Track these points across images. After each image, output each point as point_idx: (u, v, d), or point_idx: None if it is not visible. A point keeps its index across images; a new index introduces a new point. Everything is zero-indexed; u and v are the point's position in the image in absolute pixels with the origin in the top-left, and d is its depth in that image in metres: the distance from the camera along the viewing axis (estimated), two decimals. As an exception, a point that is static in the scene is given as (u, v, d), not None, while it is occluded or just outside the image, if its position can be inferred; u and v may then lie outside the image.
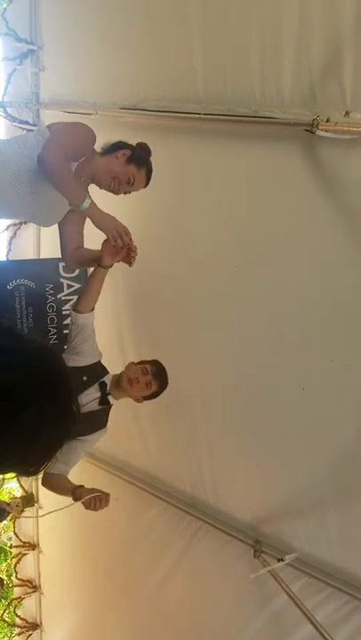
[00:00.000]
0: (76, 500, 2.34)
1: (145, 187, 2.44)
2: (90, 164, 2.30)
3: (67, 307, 3.12)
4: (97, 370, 2.62)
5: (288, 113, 2.31)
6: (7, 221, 3.99)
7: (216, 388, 2.98)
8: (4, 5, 3.45)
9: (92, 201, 2.14)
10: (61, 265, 3.08)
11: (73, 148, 2.16)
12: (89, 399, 2.51)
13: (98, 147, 2.38)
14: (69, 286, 3.16)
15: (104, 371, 2.63)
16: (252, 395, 2.81)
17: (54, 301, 3.08)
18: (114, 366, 2.77)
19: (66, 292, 3.13)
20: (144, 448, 3.45)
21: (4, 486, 5.03)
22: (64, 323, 3.11)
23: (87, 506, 2.33)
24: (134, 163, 2.34)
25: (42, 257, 3.76)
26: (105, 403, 2.55)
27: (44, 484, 2.55)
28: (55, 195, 2.18)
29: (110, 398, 2.56)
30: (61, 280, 3.11)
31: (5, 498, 4.77)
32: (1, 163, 2.11)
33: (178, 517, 3.28)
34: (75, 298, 3.14)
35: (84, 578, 3.91)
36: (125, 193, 2.40)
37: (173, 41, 2.71)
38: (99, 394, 2.53)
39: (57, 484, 2.49)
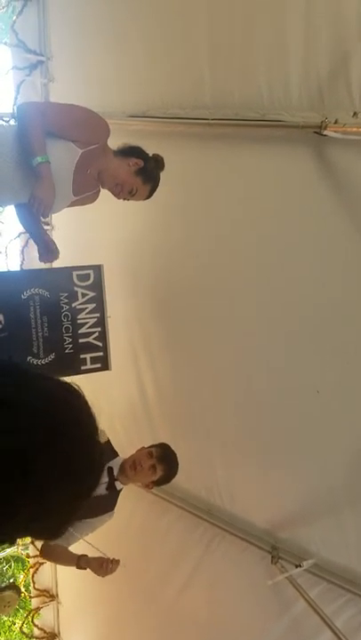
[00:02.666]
0: (80, 568, 2.32)
1: (145, 200, 2.44)
2: (100, 158, 2.30)
3: (82, 315, 3.13)
4: (105, 450, 2.57)
5: (296, 116, 2.32)
6: (18, 229, 4.03)
7: (229, 392, 2.98)
8: (14, 17, 3.50)
9: (45, 163, 2.07)
10: (75, 274, 3.09)
11: (58, 118, 2.14)
12: None
13: (115, 146, 2.38)
14: (84, 295, 3.16)
15: (113, 454, 2.58)
16: (266, 398, 2.80)
17: (69, 310, 3.08)
18: (126, 381, 2.74)
19: (80, 300, 3.13)
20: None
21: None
22: (79, 331, 3.11)
23: (96, 572, 2.30)
24: (142, 176, 2.35)
25: (55, 266, 3.79)
26: (112, 488, 2.48)
27: (43, 555, 2.51)
28: (60, 180, 2.18)
29: (118, 484, 2.49)
30: (76, 289, 3.11)
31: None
32: (7, 147, 2.11)
33: (194, 524, 3.26)
34: (89, 306, 3.16)
35: (101, 587, 3.89)
36: (125, 199, 2.40)
37: (180, 48, 2.74)
38: (106, 479, 2.47)
39: (58, 555, 2.46)
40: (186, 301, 3.10)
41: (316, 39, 2.24)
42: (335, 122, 2.16)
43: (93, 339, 3.19)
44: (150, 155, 2.42)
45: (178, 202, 2.93)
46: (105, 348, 3.20)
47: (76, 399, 0.80)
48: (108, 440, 2.64)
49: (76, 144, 2.17)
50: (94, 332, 3.19)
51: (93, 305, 3.18)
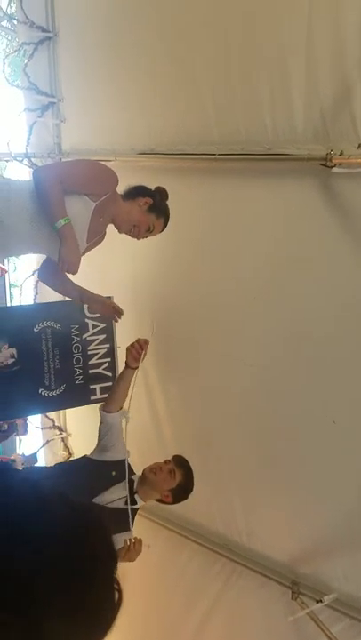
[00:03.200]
0: None
1: (162, 231, 2.50)
2: (111, 205, 2.35)
3: (92, 346, 3.16)
4: (125, 468, 2.57)
5: (302, 149, 2.36)
6: (33, 267, 4.09)
7: (244, 421, 2.95)
8: (25, 61, 3.63)
9: (68, 224, 2.14)
10: (86, 306, 3.13)
11: (74, 178, 2.19)
12: (115, 497, 2.47)
13: (120, 190, 2.44)
14: (94, 326, 3.20)
15: (132, 471, 2.60)
16: (283, 429, 2.77)
17: (80, 342, 3.12)
18: (137, 411, 2.74)
19: (91, 331, 3.18)
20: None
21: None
22: (89, 362, 3.14)
23: (122, 558, 2.27)
24: (155, 212, 2.41)
25: (67, 299, 3.83)
26: (132, 502, 2.47)
27: None
28: (77, 233, 2.23)
29: (138, 498, 2.50)
30: (86, 320, 3.16)
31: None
32: (18, 202, 2.17)
33: (211, 559, 3.20)
34: (100, 337, 3.18)
35: (118, 625, 3.81)
36: (144, 237, 2.46)
37: (186, 86, 2.81)
38: (126, 492, 2.48)
39: None
40: (196, 330, 3.11)
41: (318, 72, 2.29)
42: (340, 153, 2.19)
43: (103, 369, 3.22)
44: (153, 189, 2.48)
45: (186, 235, 2.96)
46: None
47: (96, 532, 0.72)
48: (127, 459, 2.65)
49: (89, 197, 2.23)
50: (104, 363, 3.22)
51: (104, 336, 3.22)
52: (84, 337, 3.13)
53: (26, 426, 4.89)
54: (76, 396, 2.98)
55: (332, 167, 2.23)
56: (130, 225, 2.40)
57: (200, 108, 2.72)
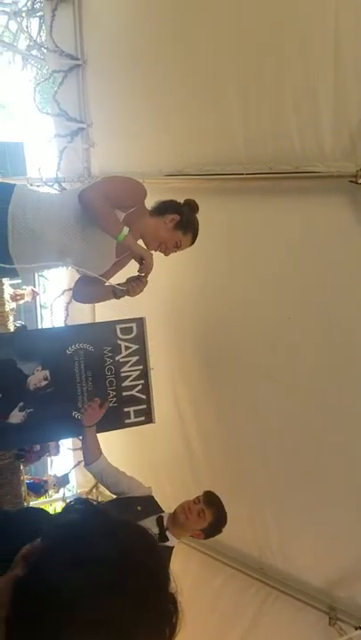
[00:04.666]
0: None
1: (191, 246, 2.50)
2: (139, 220, 2.37)
3: (125, 368, 3.16)
4: (151, 503, 2.56)
5: (331, 166, 2.35)
6: (62, 286, 4.15)
7: (278, 443, 2.91)
8: (55, 88, 3.73)
9: (129, 233, 2.19)
10: (119, 327, 3.15)
11: (115, 192, 2.22)
12: None
13: (149, 205, 2.45)
14: (127, 347, 3.20)
15: (159, 508, 2.56)
16: (317, 450, 2.72)
17: (112, 363, 3.12)
18: (171, 434, 2.72)
19: (124, 353, 3.18)
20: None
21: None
22: (123, 385, 3.14)
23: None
24: (182, 229, 2.41)
25: (98, 320, 3.87)
26: (164, 539, 2.41)
27: None
28: (103, 244, 2.27)
29: (169, 535, 2.43)
30: (119, 342, 3.16)
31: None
32: (53, 212, 2.20)
33: (246, 584, 3.15)
34: (132, 359, 3.19)
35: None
36: (173, 252, 2.47)
37: (213, 107, 2.83)
38: (157, 529, 2.41)
39: None
40: (228, 351, 3.09)
41: (346, 90, 2.28)
42: (370, 170, 2.17)
43: (137, 391, 3.21)
44: (182, 203, 2.48)
45: (217, 254, 2.97)
46: (148, 401, 3.21)
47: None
48: (152, 496, 2.61)
49: (120, 210, 2.25)
50: (138, 385, 3.21)
51: (136, 357, 3.21)
52: (116, 359, 3.13)
53: (58, 447, 4.92)
54: (110, 420, 2.96)
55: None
56: (157, 243, 2.40)
57: (227, 128, 2.74)
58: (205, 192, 2.89)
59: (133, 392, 3.19)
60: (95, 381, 3.07)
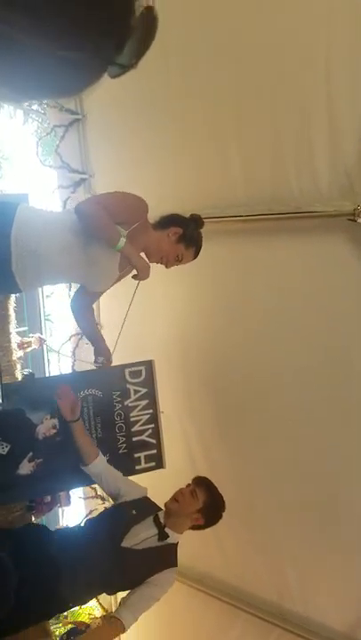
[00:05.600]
0: None
1: (193, 260, 2.50)
2: (142, 234, 2.37)
3: (134, 412, 3.14)
4: (146, 504, 2.54)
5: (328, 205, 2.39)
6: (69, 332, 4.18)
7: (292, 484, 2.86)
8: (57, 142, 3.85)
9: (127, 241, 2.19)
10: (128, 371, 3.14)
11: (114, 206, 2.23)
12: (145, 536, 2.39)
13: (153, 219, 2.47)
14: (136, 391, 3.18)
15: (155, 506, 2.54)
16: (334, 489, 2.68)
17: (122, 408, 3.10)
18: (182, 479, 2.70)
19: (133, 397, 3.16)
20: (223, 557, 3.28)
21: (84, 605, 4.85)
22: (132, 430, 3.11)
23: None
24: (184, 242, 2.41)
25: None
26: (164, 537, 2.40)
27: None
28: (106, 262, 2.27)
29: (169, 532, 2.41)
30: (128, 386, 3.14)
31: (85, 618, 4.59)
32: (53, 232, 2.21)
33: (266, 631, 3.03)
34: (142, 403, 3.17)
35: None
36: (174, 265, 2.48)
37: (211, 152, 2.91)
38: (155, 530, 2.41)
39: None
40: (236, 389, 3.09)
41: (339, 130, 2.35)
42: (368, 207, 2.21)
43: (147, 436, 3.17)
44: (188, 217, 2.50)
45: (219, 295, 3.01)
46: (159, 446, 3.16)
47: None
48: (147, 497, 2.59)
49: (122, 226, 2.26)
50: (147, 430, 3.17)
51: (146, 401, 3.19)
52: (125, 403, 3.11)
53: (68, 497, 4.85)
54: (121, 466, 2.91)
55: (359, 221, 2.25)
56: (159, 256, 2.41)
57: (227, 172, 2.82)
58: (206, 235, 2.93)
59: (143, 437, 3.15)
60: (105, 428, 3.04)
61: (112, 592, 2.62)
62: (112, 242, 2.18)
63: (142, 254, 2.41)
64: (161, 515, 2.47)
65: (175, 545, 2.42)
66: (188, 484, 2.51)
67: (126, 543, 2.33)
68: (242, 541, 3.15)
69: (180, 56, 2.91)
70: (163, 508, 2.52)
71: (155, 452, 3.15)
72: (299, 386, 2.73)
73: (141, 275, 2.27)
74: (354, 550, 2.64)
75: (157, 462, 3.14)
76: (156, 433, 3.17)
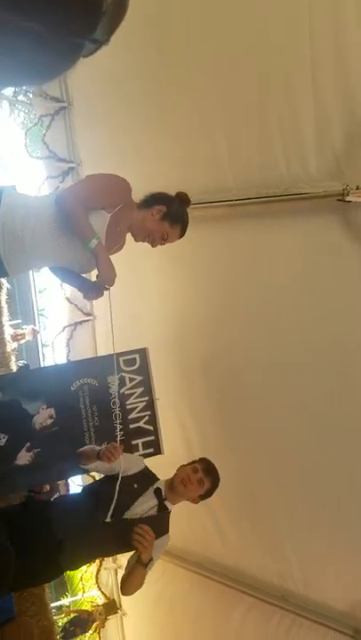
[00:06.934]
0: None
1: (180, 238, 2.44)
2: (128, 215, 2.34)
3: (130, 400, 3.15)
4: (146, 476, 2.58)
5: (317, 187, 2.39)
6: (63, 323, 4.17)
7: (290, 467, 2.88)
8: (43, 131, 3.81)
9: (99, 242, 2.17)
10: (122, 359, 3.15)
11: (94, 195, 2.22)
12: (146, 508, 2.46)
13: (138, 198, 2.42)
14: (131, 379, 3.20)
15: (155, 477, 2.59)
16: (331, 471, 2.71)
17: (118, 396, 3.12)
18: (178, 458, 2.73)
19: (128, 385, 3.17)
20: (223, 541, 3.31)
21: (85, 594, 4.88)
22: (129, 417, 3.13)
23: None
24: (168, 220, 2.36)
25: (99, 353, 3.87)
26: (163, 509, 2.49)
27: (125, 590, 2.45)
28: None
29: (168, 504, 2.50)
30: (123, 374, 3.16)
31: (87, 606, 4.62)
32: (38, 219, 2.18)
33: (269, 612, 3.07)
34: (137, 390, 3.18)
35: None
36: (161, 245, 2.42)
37: (200, 139, 2.90)
38: (155, 501, 2.48)
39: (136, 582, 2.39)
40: (233, 376, 3.09)
41: (327, 112, 2.35)
42: (357, 188, 2.21)
43: (144, 423, 3.19)
44: (173, 195, 2.43)
45: (213, 280, 3.00)
46: (156, 432, 3.19)
47: None
48: (146, 467, 2.62)
49: (105, 209, 2.24)
50: (144, 416, 3.19)
51: (141, 389, 3.21)
52: (121, 391, 3.12)
53: (68, 485, 4.86)
54: (119, 454, 2.95)
55: (349, 202, 2.25)
56: (144, 234, 2.37)
57: (215, 157, 2.80)
58: (197, 220, 2.92)
59: (140, 424, 3.17)
60: (101, 416, 3.06)
61: (109, 556, 2.66)
62: (85, 241, 2.17)
63: (128, 234, 2.39)
64: (162, 486, 2.53)
65: (169, 513, 2.52)
66: (196, 469, 2.53)
67: (128, 515, 2.38)
68: (242, 525, 3.17)
69: (166, 44, 2.90)
70: (159, 478, 2.57)
71: (152, 438, 3.17)
72: (294, 367, 2.74)
73: (102, 280, 2.24)
74: (354, 531, 2.67)
75: (155, 448, 3.17)
76: (153, 420, 3.19)
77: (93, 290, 2.38)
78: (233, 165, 2.77)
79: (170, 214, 2.35)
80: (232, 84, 2.68)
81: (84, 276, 2.50)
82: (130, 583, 2.34)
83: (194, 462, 2.59)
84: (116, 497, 2.34)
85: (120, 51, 3.15)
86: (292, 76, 2.44)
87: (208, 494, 2.55)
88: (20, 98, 6.13)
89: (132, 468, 2.58)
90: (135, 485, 2.50)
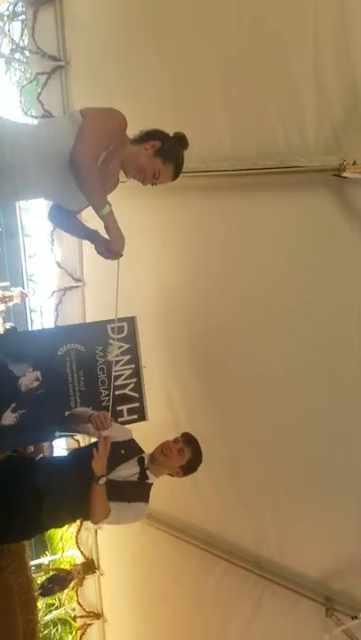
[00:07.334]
0: None
1: (173, 180, 2.34)
2: (120, 150, 2.25)
3: (117, 367, 3.17)
4: (133, 446, 2.65)
5: (314, 160, 2.37)
6: (52, 287, 4.15)
7: (273, 438, 2.92)
8: (39, 90, 3.73)
9: (111, 210, 2.12)
10: (110, 327, 3.15)
11: (104, 140, 2.14)
12: (129, 473, 2.53)
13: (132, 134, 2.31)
14: (119, 347, 3.21)
15: (140, 450, 2.66)
16: (313, 444, 2.75)
17: (104, 363, 3.13)
18: (164, 431, 2.76)
19: (115, 352, 3.19)
20: (203, 507, 3.38)
21: (65, 554, 4.98)
22: (115, 384, 3.15)
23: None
24: (161, 157, 2.24)
25: (88, 320, 3.87)
26: (144, 477, 2.55)
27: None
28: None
29: (149, 474, 2.55)
30: (110, 341, 3.17)
31: (66, 565, 4.72)
32: (26, 147, 2.08)
33: (243, 578, 3.16)
34: (124, 358, 3.20)
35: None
36: (153, 184, 2.32)
37: (197, 106, 2.85)
38: (137, 469, 2.55)
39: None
40: (221, 348, 3.12)
41: (327, 85, 2.32)
42: (353, 163, 2.19)
43: (129, 390, 3.22)
44: (170, 134, 2.33)
45: (206, 251, 2.99)
46: (141, 399, 3.22)
47: None
48: (133, 439, 2.69)
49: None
50: (130, 384, 3.22)
51: (128, 356, 3.23)
52: (108, 358, 3.14)
53: (52, 448, 4.90)
54: (103, 418, 2.98)
55: (345, 177, 2.24)
56: (136, 170, 2.26)
57: (212, 126, 2.76)
58: (192, 189, 2.90)
59: (126, 390, 3.20)
60: (87, 381, 3.08)
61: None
62: (97, 207, 2.11)
63: (120, 171, 2.31)
64: (146, 457, 2.59)
65: (151, 485, 2.56)
66: (177, 440, 2.58)
67: (112, 476, 2.42)
68: (222, 492, 3.23)
69: (164, 10, 2.84)
70: (145, 452, 2.62)
71: (137, 405, 3.21)
72: (282, 340, 2.76)
73: (114, 247, 2.19)
74: (329, 503, 2.74)
75: (140, 415, 3.20)
76: (139, 387, 3.23)
77: (104, 246, 2.29)
78: (231, 135, 2.74)
79: (164, 151, 2.25)
80: (231, 52, 2.63)
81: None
82: (90, 506, 2.36)
83: (176, 437, 2.63)
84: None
85: (121, 15, 3.09)
86: (292, 46, 2.39)
87: (191, 467, 2.58)
88: (17, 56, 5.97)
89: (121, 436, 2.62)
90: (122, 451, 2.54)
